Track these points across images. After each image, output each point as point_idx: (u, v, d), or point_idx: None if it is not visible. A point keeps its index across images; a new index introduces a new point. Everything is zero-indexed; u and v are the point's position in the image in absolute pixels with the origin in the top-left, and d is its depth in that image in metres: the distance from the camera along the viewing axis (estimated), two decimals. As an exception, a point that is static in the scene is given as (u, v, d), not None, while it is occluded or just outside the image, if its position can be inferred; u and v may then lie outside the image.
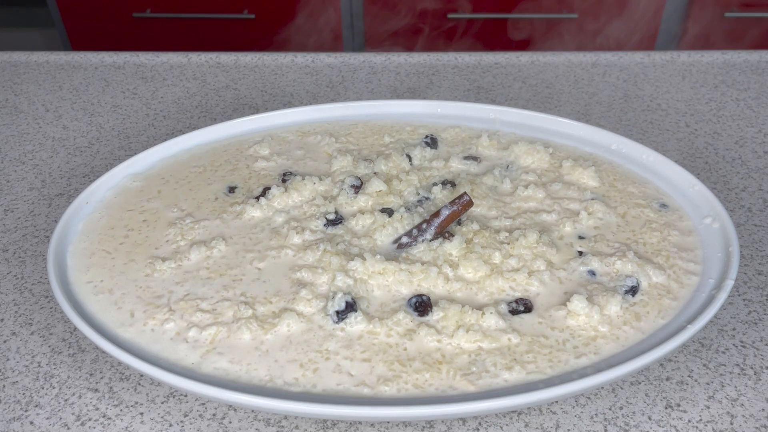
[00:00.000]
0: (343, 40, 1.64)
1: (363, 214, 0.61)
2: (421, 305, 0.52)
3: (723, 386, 0.51)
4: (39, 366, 0.54)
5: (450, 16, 1.55)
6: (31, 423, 0.49)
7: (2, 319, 0.58)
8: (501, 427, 0.48)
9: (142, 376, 0.53)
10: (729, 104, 0.91)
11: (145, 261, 0.57)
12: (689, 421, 0.48)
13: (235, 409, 0.50)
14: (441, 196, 0.64)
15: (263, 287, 0.54)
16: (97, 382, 0.52)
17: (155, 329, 0.51)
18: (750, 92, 0.94)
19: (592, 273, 0.55)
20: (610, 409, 0.49)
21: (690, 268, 0.55)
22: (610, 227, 0.60)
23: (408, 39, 1.58)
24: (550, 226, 0.60)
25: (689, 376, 0.52)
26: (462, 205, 0.58)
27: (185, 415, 0.49)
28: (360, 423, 0.49)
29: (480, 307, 0.51)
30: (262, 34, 1.65)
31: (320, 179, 0.66)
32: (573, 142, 0.72)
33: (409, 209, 0.62)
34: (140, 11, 1.63)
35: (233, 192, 0.66)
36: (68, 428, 0.49)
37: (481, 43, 1.54)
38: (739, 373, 0.52)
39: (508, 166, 0.69)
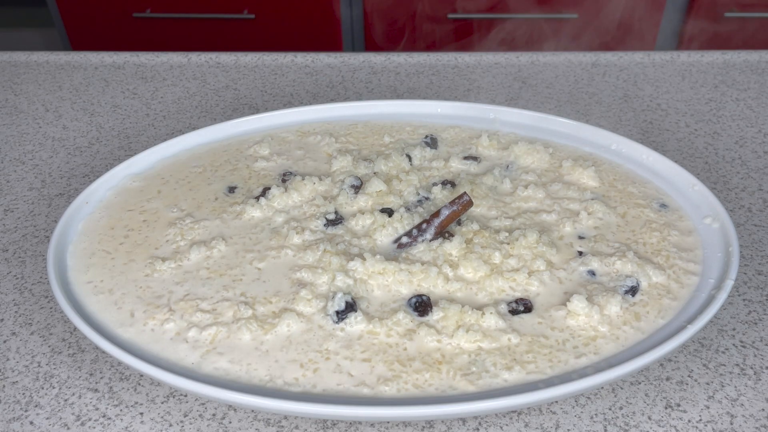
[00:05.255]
0: (343, 40, 1.64)
1: (363, 214, 0.61)
2: (421, 305, 0.52)
3: (723, 386, 0.51)
4: (39, 366, 0.54)
5: (450, 16, 1.55)
6: (31, 423, 0.49)
7: (2, 319, 0.58)
8: (501, 427, 0.48)
9: (142, 376, 0.53)
10: (729, 104, 0.91)
11: (145, 261, 0.57)
12: (689, 421, 0.48)
13: (235, 409, 0.50)
14: (441, 196, 0.64)
15: (263, 287, 0.54)
16: (97, 382, 0.52)
17: (155, 329, 0.51)
18: (750, 92, 0.94)
19: (592, 273, 0.55)
20: (610, 409, 0.49)
21: (690, 268, 0.55)
22: (610, 227, 0.60)
23: (408, 39, 1.58)
24: (550, 226, 0.60)
25: (689, 376, 0.52)
26: (462, 205, 0.58)
27: (185, 415, 0.49)
28: (360, 423, 0.49)
29: (480, 307, 0.51)
30: (262, 34, 1.65)
31: (320, 179, 0.66)
32: (573, 142, 0.72)
33: (409, 209, 0.62)
34: (140, 11, 1.63)
35: (233, 192, 0.66)
36: (68, 428, 0.49)
37: (482, 43, 1.54)
38: (739, 373, 0.52)
39: (508, 166, 0.69)
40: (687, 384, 0.51)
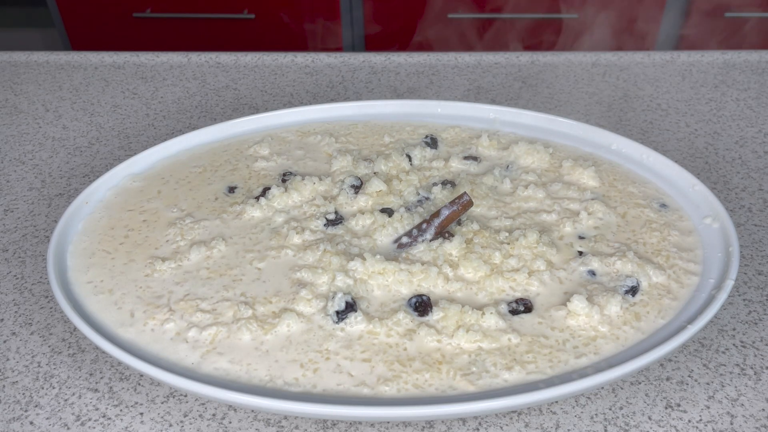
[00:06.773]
0: (343, 40, 1.64)
1: (363, 214, 0.61)
2: (421, 305, 0.52)
3: (723, 386, 0.51)
4: (39, 366, 0.54)
5: (450, 16, 1.55)
6: (31, 423, 0.49)
7: (2, 319, 0.58)
8: (501, 427, 0.48)
9: (142, 376, 0.53)
10: (729, 104, 0.91)
11: (145, 261, 0.57)
12: (689, 421, 0.48)
13: (235, 409, 0.50)
14: (441, 196, 0.64)
15: (263, 287, 0.54)
16: (97, 382, 0.52)
17: (155, 329, 0.51)
18: (750, 92, 0.94)
19: (592, 273, 0.55)
20: (610, 409, 0.49)
21: (690, 268, 0.55)
22: (610, 227, 0.60)
23: (408, 39, 1.58)
24: (550, 226, 0.60)
25: (689, 376, 0.52)
26: (462, 205, 0.58)
27: (185, 415, 0.49)
28: (360, 423, 0.49)
29: (480, 307, 0.51)
30: (262, 34, 1.65)
31: (320, 179, 0.66)
32: (573, 142, 0.72)
33: (409, 209, 0.62)
34: (140, 11, 1.63)
35: (233, 192, 0.66)
36: (68, 428, 0.49)
37: (482, 43, 1.54)
38: (739, 373, 0.52)
39: (508, 166, 0.69)
40: (687, 384, 0.51)
